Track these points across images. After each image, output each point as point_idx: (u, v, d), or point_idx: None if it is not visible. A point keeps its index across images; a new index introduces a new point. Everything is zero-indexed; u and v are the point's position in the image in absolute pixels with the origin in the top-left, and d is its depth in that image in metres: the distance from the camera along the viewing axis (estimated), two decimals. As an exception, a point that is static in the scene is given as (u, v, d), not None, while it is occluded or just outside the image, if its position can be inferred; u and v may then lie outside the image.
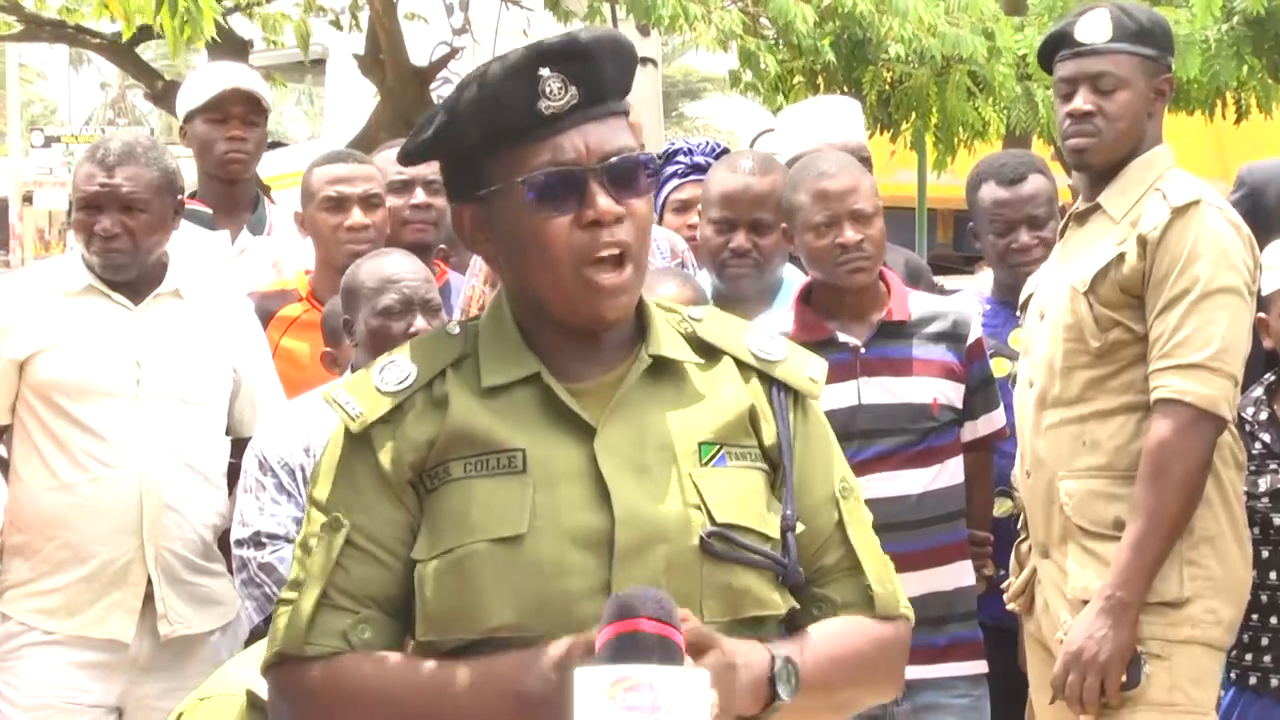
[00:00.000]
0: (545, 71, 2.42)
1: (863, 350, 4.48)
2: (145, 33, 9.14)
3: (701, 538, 2.42)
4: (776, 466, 2.54)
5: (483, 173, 2.48)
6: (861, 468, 4.30)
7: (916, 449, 4.45)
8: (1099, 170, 4.31)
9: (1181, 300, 4.06)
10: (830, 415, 4.38)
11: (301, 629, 2.45)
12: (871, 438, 4.43)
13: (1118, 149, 4.26)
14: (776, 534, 2.49)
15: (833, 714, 2.59)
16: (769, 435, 2.54)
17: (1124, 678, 4.07)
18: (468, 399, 2.47)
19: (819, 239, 4.49)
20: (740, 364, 2.58)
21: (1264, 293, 4.45)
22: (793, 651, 2.44)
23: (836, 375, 4.43)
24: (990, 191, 5.12)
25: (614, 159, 2.45)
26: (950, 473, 4.51)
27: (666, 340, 2.54)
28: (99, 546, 4.54)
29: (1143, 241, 4.11)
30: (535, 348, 2.50)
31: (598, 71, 2.46)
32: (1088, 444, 4.18)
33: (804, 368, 2.61)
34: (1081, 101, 4.26)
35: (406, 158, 2.58)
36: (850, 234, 4.45)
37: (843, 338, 4.48)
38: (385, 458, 2.46)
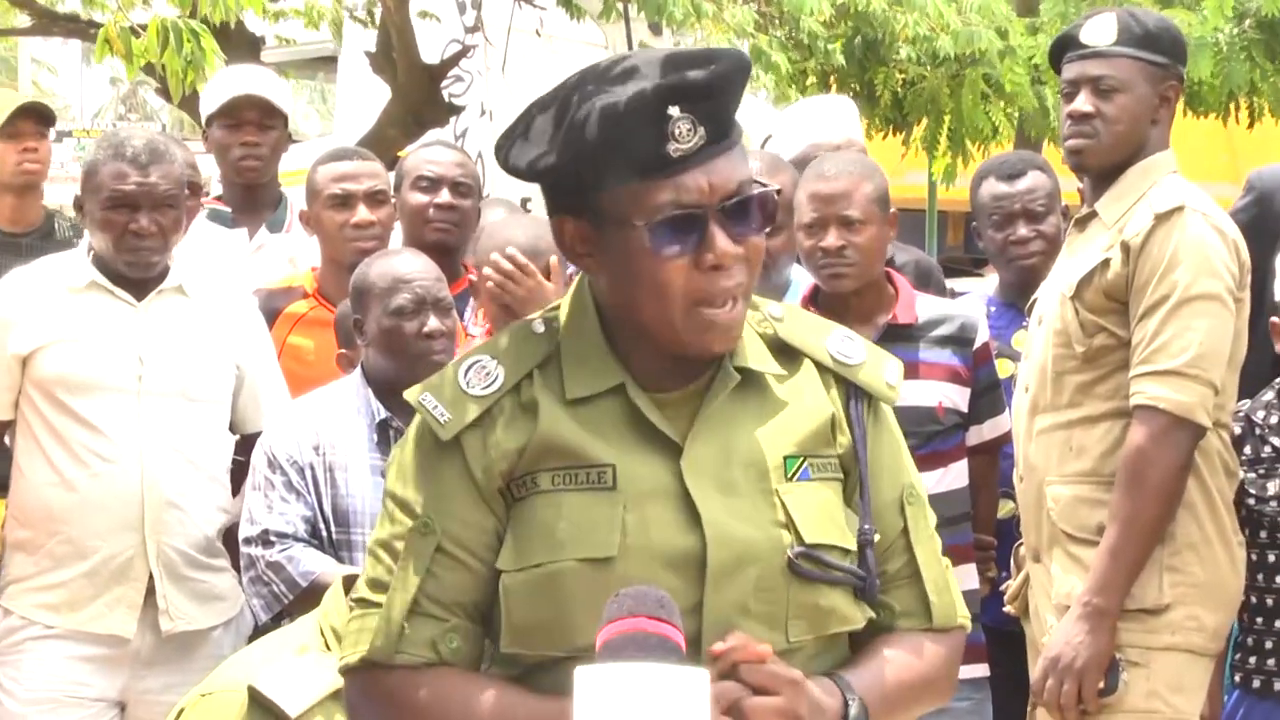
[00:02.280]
0: (675, 111, 2.35)
1: None
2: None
3: (790, 558, 2.41)
4: (849, 473, 2.53)
5: (596, 199, 2.41)
6: None
7: (921, 452, 4.43)
8: (1096, 172, 4.31)
9: (1161, 306, 4.07)
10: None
11: (394, 637, 2.43)
12: None
13: (1115, 152, 4.25)
14: (855, 547, 2.48)
15: None
16: (844, 442, 2.53)
17: (1102, 684, 4.07)
18: (555, 408, 2.44)
19: (807, 239, 4.51)
20: (820, 367, 2.55)
21: (1276, 297, 4.44)
22: (865, 689, 2.44)
23: None
24: (990, 187, 5.15)
25: (735, 198, 2.40)
26: (955, 476, 4.52)
27: (750, 349, 2.51)
28: (101, 542, 4.55)
29: (1126, 247, 4.12)
30: (620, 355, 2.47)
31: (725, 106, 2.41)
32: (1074, 449, 4.20)
33: (882, 372, 2.58)
34: (1081, 103, 4.26)
35: (514, 174, 2.47)
36: (832, 239, 4.45)
37: None
38: (476, 465, 2.44)
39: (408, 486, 2.48)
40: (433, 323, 4.42)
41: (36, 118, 6.19)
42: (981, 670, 4.56)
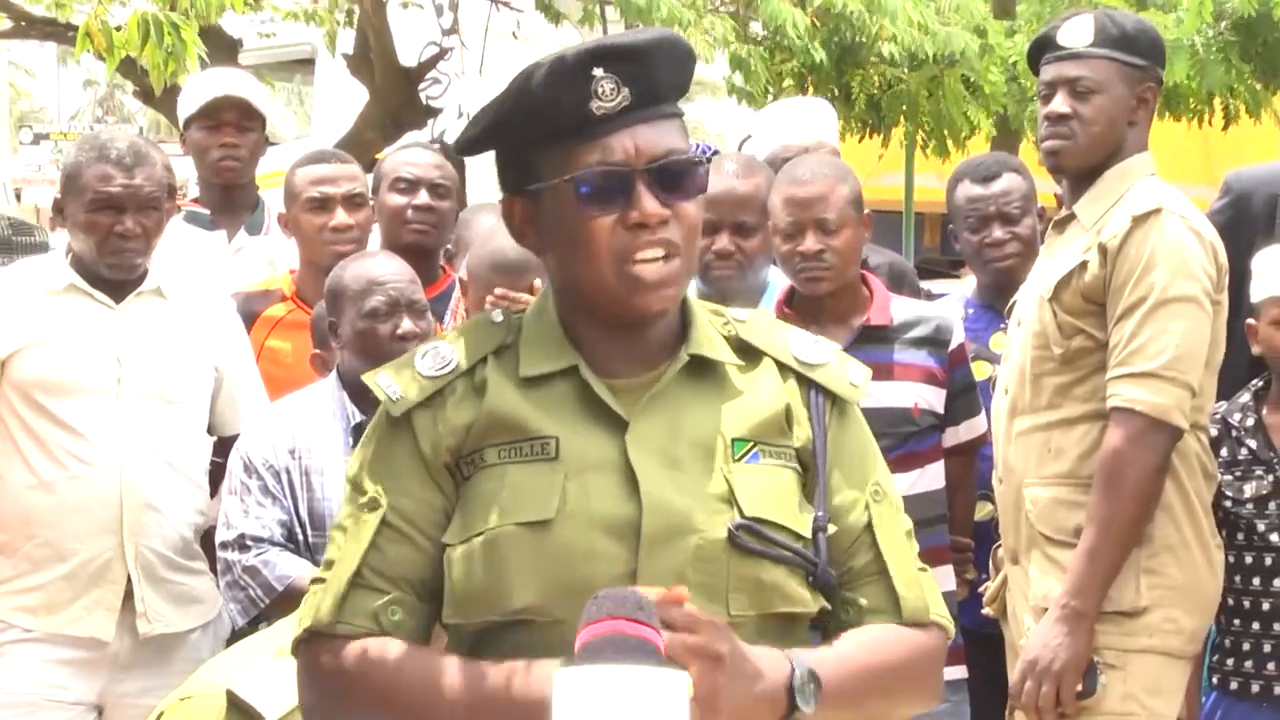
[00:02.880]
0: (599, 72, 2.42)
1: None
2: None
3: (730, 530, 2.42)
4: (808, 468, 2.54)
5: (533, 168, 2.48)
6: None
7: (897, 453, 4.45)
8: (1073, 174, 4.32)
9: (1137, 309, 4.08)
10: (812, 421, 4.39)
11: (333, 607, 2.46)
12: None
13: (1092, 153, 4.26)
14: (808, 533, 2.49)
15: None
16: (803, 437, 2.54)
17: (1080, 686, 4.08)
18: (506, 387, 2.48)
19: (784, 244, 4.52)
20: (780, 365, 2.58)
21: (1253, 299, 4.45)
22: (818, 662, 2.42)
23: None
24: (965, 189, 5.17)
25: (663, 161, 2.45)
26: (930, 477, 4.52)
27: (707, 341, 2.54)
28: (79, 544, 4.54)
29: (1104, 249, 4.13)
30: (576, 342, 2.51)
31: (652, 73, 2.46)
32: (1053, 451, 4.21)
33: (845, 372, 2.60)
34: (1058, 104, 4.27)
35: (459, 149, 2.59)
36: (810, 243, 4.46)
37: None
38: (425, 441, 2.48)
39: (359, 465, 2.53)
40: (406, 324, 4.42)
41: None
42: (960, 672, 4.57)
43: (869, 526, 2.56)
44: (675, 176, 2.46)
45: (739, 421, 2.49)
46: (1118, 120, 4.25)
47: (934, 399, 4.53)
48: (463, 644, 2.46)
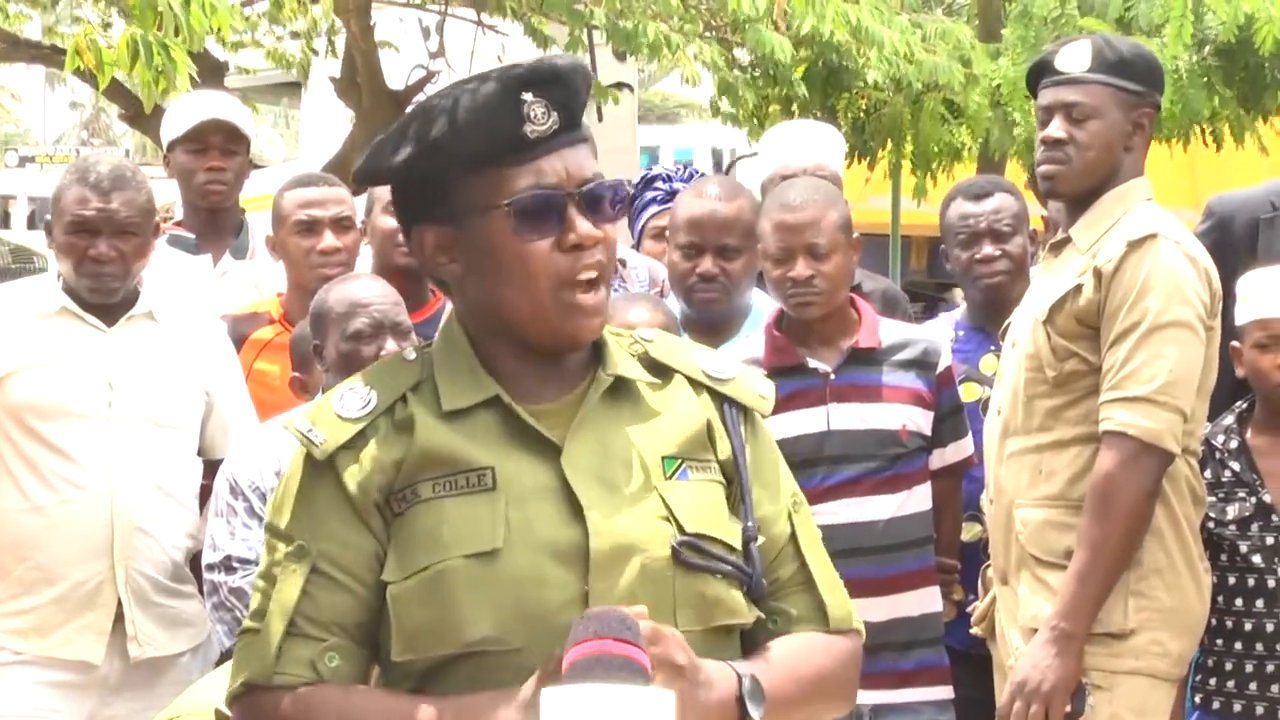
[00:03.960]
0: (528, 96, 2.44)
1: (832, 376, 4.50)
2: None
3: (673, 547, 2.44)
4: (731, 481, 2.57)
5: (453, 197, 2.47)
6: (830, 493, 4.34)
7: (884, 475, 4.47)
8: (1069, 198, 4.33)
9: (1132, 333, 4.08)
10: (800, 440, 4.42)
11: (269, 659, 2.44)
12: (840, 463, 4.45)
13: (1087, 178, 4.27)
14: (740, 545, 2.52)
15: None
16: (724, 450, 2.57)
17: (1068, 708, 4.09)
18: (431, 422, 2.47)
19: (774, 269, 4.52)
20: (692, 382, 2.60)
21: (1238, 323, 4.47)
22: (757, 670, 2.46)
23: (807, 401, 4.45)
24: (958, 207, 5.19)
25: (591, 184, 2.48)
26: (918, 499, 4.53)
27: (622, 361, 2.57)
28: (70, 568, 4.54)
29: (1098, 274, 4.13)
30: (492, 370, 2.51)
31: (574, 97, 2.49)
32: (1044, 473, 4.21)
33: (754, 385, 2.64)
34: (1055, 129, 4.28)
35: (366, 180, 2.57)
36: (801, 269, 4.47)
37: (813, 364, 4.50)
38: (351, 483, 2.46)
39: (283, 515, 2.51)
40: (390, 346, 4.43)
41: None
42: (946, 693, 4.57)
43: (793, 536, 2.60)
44: (601, 200, 2.49)
45: (666, 439, 2.52)
46: (1113, 145, 4.26)
47: (922, 421, 4.54)
48: (409, 680, 2.45)
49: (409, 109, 2.51)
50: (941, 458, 4.62)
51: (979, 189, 5.22)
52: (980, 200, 5.13)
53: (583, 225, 2.45)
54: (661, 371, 2.60)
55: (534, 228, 2.44)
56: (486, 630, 2.38)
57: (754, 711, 2.40)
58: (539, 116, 2.44)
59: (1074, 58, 4.30)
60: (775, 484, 2.62)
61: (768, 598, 2.56)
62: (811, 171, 5.41)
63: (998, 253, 5.09)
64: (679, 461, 2.52)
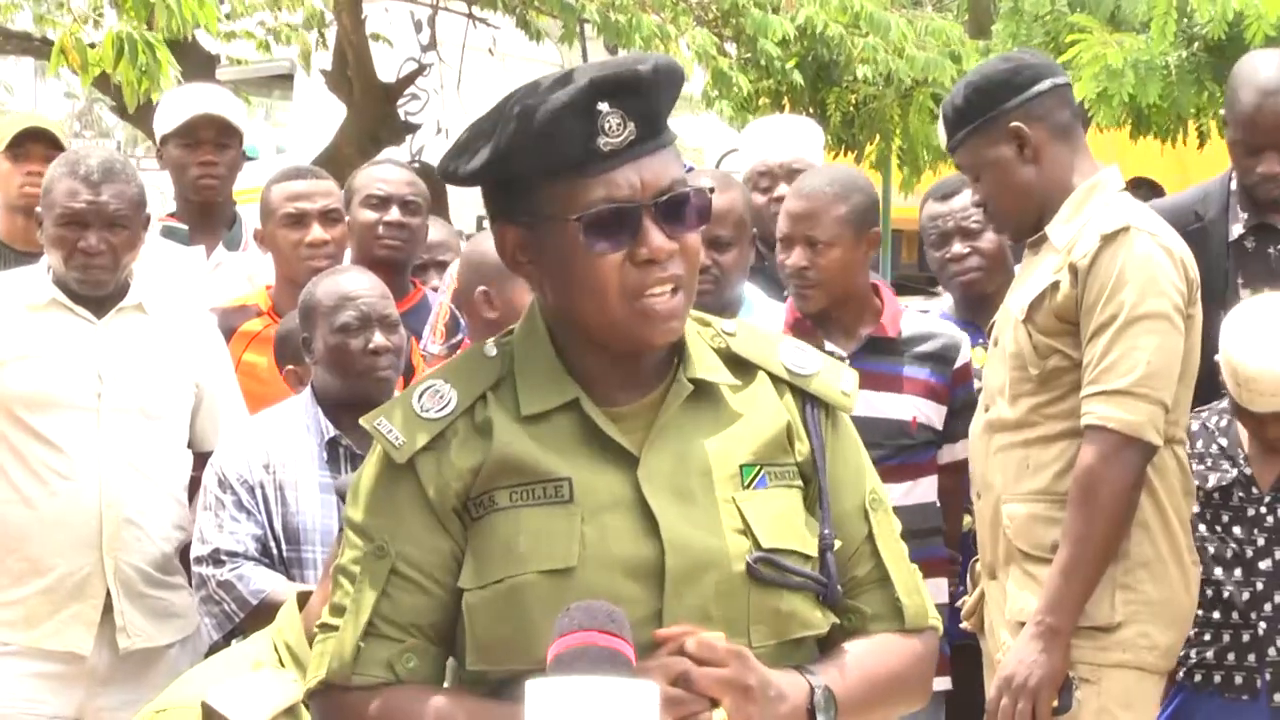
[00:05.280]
0: (604, 107, 2.38)
1: (847, 362, 4.51)
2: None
3: (748, 564, 2.42)
4: (809, 481, 2.55)
5: (531, 200, 2.44)
6: None
7: (890, 464, 4.47)
8: (1018, 239, 4.39)
9: (1109, 327, 4.08)
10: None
11: (348, 659, 2.44)
12: None
13: (1016, 218, 4.31)
14: (815, 553, 2.50)
15: None
16: (802, 450, 2.55)
17: (1055, 702, 4.10)
18: (509, 426, 2.45)
19: (780, 253, 4.57)
20: (774, 378, 2.57)
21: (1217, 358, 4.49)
22: (830, 678, 2.45)
23: None
24: (928, 208, 5.23)
25: (668, 194, 2.42)
26: (924, 490, 4.56)
27: (702, 361, 2.53)
28: (58, 559, 4.55)
29: (1074, 269, 4.13)
30: (573, 371, 2.49)
31: (655, 105, 2.44)
32: (1030, 468, 4.21)
33: (837, 381, 2.61)
34: (974, 195, 4.40)
35: (448, 179, 2.52)
36: (795, 258, 4.51)
37: (829, 347, 4.52)
38: (430, 486, 2.45)
39: (364, 511, 2.49)
40: (378, 339, 4.44)
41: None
42: (941, 684, 4.59)
43: (869, 536, 2.58)
44: (680, 208, 2.44)
45: (744, 445, 2.49)
46: (1009, 178, 4.25)
47: (933, 414, 4.56)
48: (483, 688, 2.45)
49: (496, 105, 2.45)
50: (951, 453, 4.64)
51: (947, 188, 5.25)
52: (948, 199, 5.16)
53: (656, 239, 2.40)
54: (742, 367, 2.56)
55: (605, 241, 2.39)
56: None
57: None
58: (614, 128, 2.38)
59: (943, 133, 4.39)
60: (854, 483, 2.59)
61: (843, 596, 2.54)
62: (790, 166, 5.45)
63: (967, 250, 5.12)
64: (757, 469, 2.49)
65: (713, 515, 2.43)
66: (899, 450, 4.51)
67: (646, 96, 2.42)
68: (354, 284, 4.52)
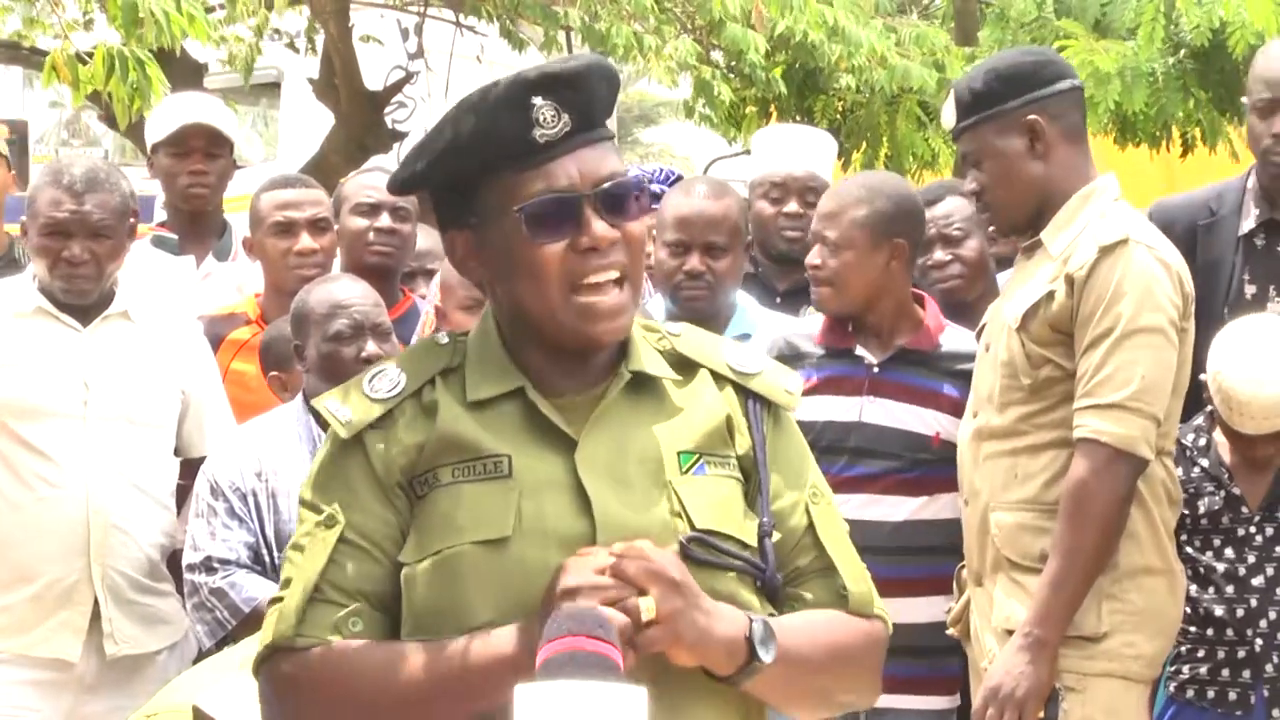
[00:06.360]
0: (538, 100, 2.44)
1: (875, 369, 4.52)
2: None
3: (681, 543, 2.45)
4: (749, 475, 2.57)
5: (475, 201, 2.49)
6: (845, 485, 4.32)
7: (906, 476, 4.47)
8: (1014, 234, 4.38)
9: (1105, 340, 4.07)
10: (830, 426, 4.44)
11: (292, 622, 2.47)
12: (862, 457, 4.48)
13: (1012, 211, 4.29)
14: (754, 541, 2.52)
15: (810, 701, 2.62)
16: (743, 445, 2.58)
17: (1041, 714, 4.11)
18: (455, 408, 2.50)
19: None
20: (716, 376, 2.61)
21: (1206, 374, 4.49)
22: (773, 623, 2.46)
23: (845, 389, 4.48)
24: None
25: (607, 184, 2.47)
26: (941, 507, 4.51)
27: (646, 357, 2.57)
28: (46, 566, 4.55)
29: (1070, 280, 4.12)
30: (520, 364, 2.53)
31: (589, 97, 2.49)
32: (1019, 477, 4.21)
33: (780, 380, 2.64)
34: (969, 183, 4.34)
35: (398, 188, 2.59)
36: (810, 256, 4.56)
37: (860, 352, 4.52)
38: (377, 460, 2.49)
39: (314, 488, 2.54)
40: (371, 347, 4.45)
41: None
42: (947, 703, 4.59)
43: (810, 527, 2.59)
44: (620, 198, 2.49)
45: (684, 434, 2.53)
46: (1014, 172, 4.24)
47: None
48: None
49: (394, 125, 2.52)
50: None
51: (930, 195, 5.23)
52: (930, 206, 5.14)
53: (598, 227, 2.45)
54: (686, 366, 2.61)
55: (547, 231, 2.45)
56: (490, 616, 2.40)
57: (764, 654, 2.42)
58: (548, 120, 2.44)
59: (948, 115, 4.36)
60: (795, 477, 2.61)
61: (786, 586, 2.56)
62: (805, 182, 5.47)
63: (949, 257, 5.11)
64: (696, 457, 2.52)
65: (648, 498, 2.47)
66: (916, 464, 4.48)
67: (580, 90, 2.48)
68: (347, 292, 4.54)
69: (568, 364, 2.54)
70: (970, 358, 4.52)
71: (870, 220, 4.54)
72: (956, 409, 4.50)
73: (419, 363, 2.57)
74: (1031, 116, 4.23)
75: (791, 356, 4.53)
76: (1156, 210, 4.88)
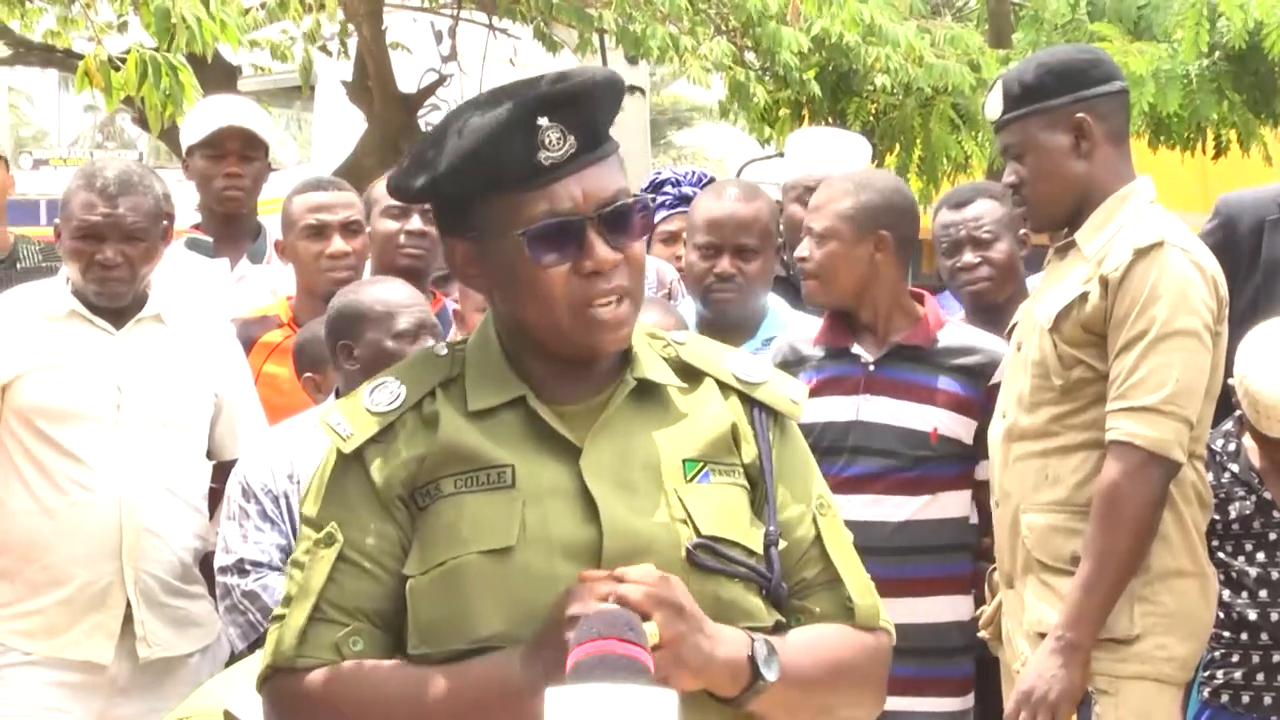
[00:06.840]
0: (544, 121, 2.42)
1: (871, 367, 4.51)
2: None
3: (688, 549, 2.44)
4: (756, 484, 2.57)
5: (476, 216, 2.48)
6: (845, 485, 4.32)
7: (906, 475, 4.46)
8: (1048, 230, 4.37)
9: (1139, 342, 4.07)
10: (828, 427, 4.44)
11: (293, 642, 2.47)
12: (861, 456, 4.47)
13: (1050, 207, 4.28)
14: (760, 549, 2.51)
15: (815, 718, 2.59)
16: (749, 454, 2.57)
17: (1074, 717, 4.09)
18: (456, 418, 2.50)
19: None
20: (721, 385, 2.60)
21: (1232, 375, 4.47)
22: (776, 643, 2.45)
23: (842, 388, 4.48)
24: (941, 216, 5.22)
25: (610, 206, 2.46)
26: (944, 505, 4.51)
27: (650, 365, 2.57)
28: (79, 569, 4.56)
29: (1104, 281, 4.11)
30: (521, 372, 2.53)
31: (594, 116, 2.47)
32: (1050, 478, 4.20)
33: (785, 389, 2.63)
34: (1007, 176, 4.32)
35: (397, 195, 2.58)
36: (799, 247, 4.57)
37: (856, 350, 4.52)
38: (378, 475, 2.49)
39: (313, 503, 2.54)
40: (430, 344, 4.46)
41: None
42: (959, 704, 4.56)
43: (817, 538, 2.59)
44: (623, 219, 2.47)
45: (689, 442, 2.52)
46: (1057, 168, 4.22)
47: (959, 428, 4.51)
48: None
49: (430, 128, 2.51)
50: (985, 469, 4.62)
51: (960, 197, 5.24)
52: (961, 208, 5.14)
53: (601, 250, 2.44)
54: (691, 375, 2.60)
55: (550, 254, 2.43)
56: (498, 626, 2.40)
57: (768, 674, 2.41)
58: (554, 143, 2.42)
59: (992, 105, 4.33)
60: (801, 487, 2.61)
61: (792, 598, 2.56)
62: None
63: (978, 260, 5.10)
64: (701, 464, 2.52)
65: (654, 504, 2.46)
66: (917, 461, 4.47)
67: (585, 109, 2.46)
68: (401, 292, 4.54)
69: (569, 372, 2.53)
70: (968, 352, 4.54)
71: (854, 212, 4.54)
72: (954, 404, 4.51)
73: (419, 374, 2.57)
74: (1080, 114, 4.22)
75: (794, 360, 4.55)
76: (1223, 204, 4.87)
